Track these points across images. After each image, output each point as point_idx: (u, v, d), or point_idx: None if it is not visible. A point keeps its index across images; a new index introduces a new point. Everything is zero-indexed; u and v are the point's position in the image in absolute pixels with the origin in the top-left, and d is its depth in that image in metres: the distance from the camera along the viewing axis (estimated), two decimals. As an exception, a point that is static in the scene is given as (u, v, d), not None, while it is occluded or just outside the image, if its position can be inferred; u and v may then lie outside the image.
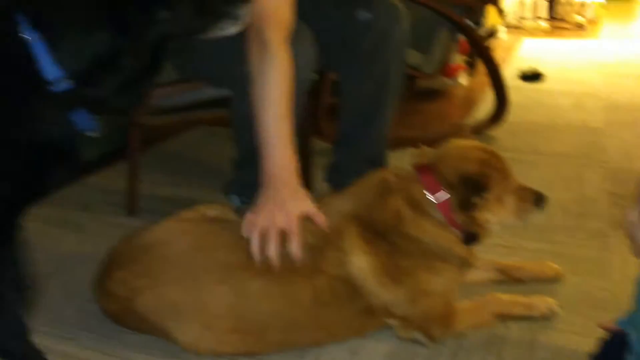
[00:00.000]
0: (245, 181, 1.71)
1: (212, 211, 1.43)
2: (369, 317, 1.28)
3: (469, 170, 1.26)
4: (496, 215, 1.32)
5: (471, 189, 1.24)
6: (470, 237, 1.31)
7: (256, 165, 1.63)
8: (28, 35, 0.96)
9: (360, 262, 1.25)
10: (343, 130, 1.89)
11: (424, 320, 1.28)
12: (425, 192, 1.28)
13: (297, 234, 1.26)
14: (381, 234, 1.27)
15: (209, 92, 1.79)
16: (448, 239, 1.28)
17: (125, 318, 1.28)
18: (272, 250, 1.24)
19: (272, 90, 1.34)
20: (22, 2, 0.99)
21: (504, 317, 1.37)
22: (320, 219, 1.30)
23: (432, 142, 1.39)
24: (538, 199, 1.38)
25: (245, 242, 1.27)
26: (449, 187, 1.27)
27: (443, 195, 1.27)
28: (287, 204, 1.30)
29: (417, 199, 1.28)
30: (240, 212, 1.70)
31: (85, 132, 1.06)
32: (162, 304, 1.22)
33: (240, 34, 1.46)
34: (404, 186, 1.30)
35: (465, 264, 1.34)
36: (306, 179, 2.10)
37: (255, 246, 1.25)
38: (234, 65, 1.47)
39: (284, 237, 1.26)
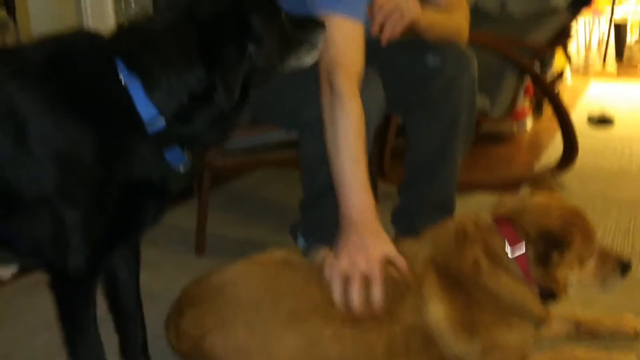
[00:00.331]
0: (312, 223, 1.72)
1: (281, 254, 1.44)
2: None
3: (550, 226, 1.23)
4: (575, 276, 1.28)
5: (551, 244, 1.21)
6: (547, 294, 1.28)
7: (323, 208, 1.65)
8: (125, 77, 1.01)
9: (437, 311, 1.23)
10: (410, 174, 1.88)
11: None
12: (504, 244, 1.25)
13: (379, 278, 1.25)
14: (458, 284, 1.25)
15: (279, 134, 1.83)
16: (525, 294, 1.25)
17: (194, 358, 1.29)
18: (355, 295, 1.23)
19: (346, 135, 1.35)
20: (119, 45, 1.05)
21: (581, 374, 1.31)
22: (402, 263, 1.28)
23: (501, 187, 1.37)
24: (623, 267, 1.32)
25: (315, 287, 1.27)
26: (528, 240, 1.24)
27: (522, 248, 1.24)
28: (368, 246, 1.29)
29: (495, 251, 1.25)
30: (307, 254, 1.72)
31: (176, 168, 1.11)
32: (230, 346, 1.22)
33: (307, 79, 1.51)
34: (482, 236, 1.28)
35: (540, 321, 1.30)
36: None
37: (337, 290, 1.24)
38: (302, 109, 1.51)
39: (365, 281, 1.25)
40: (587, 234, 1.27)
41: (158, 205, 1.15)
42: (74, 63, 1.03)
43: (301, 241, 1.76)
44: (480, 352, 1.23)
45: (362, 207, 1.34)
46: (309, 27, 1.24)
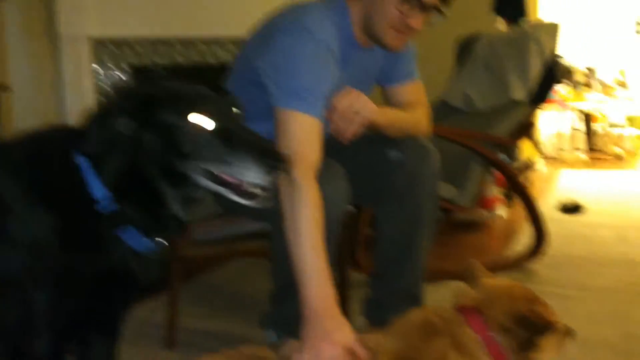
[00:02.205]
0: (282, 316, 1.73)
1: (251, 349, 1.43)
2: None
3: (520, 310, 1.25)
4: (546, 354, 1.28)
5: (534, 330, 1.23)
6: None
7: (293, 300, 1.65)
8: (78, 160, 1.11)
9: None
10: (378, 265, 1.92)
11: None
12: (474, 335, 1.26)
13: None
14: None
15: (249, 226, 1.87)
16: None
17: None
18: None
19: (304, 224, 1.40)
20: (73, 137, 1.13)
21: None
22: (364, 355, 1.29)
23: (468, 275, 1.39)
24: (569, 333, 1.35)
25: None
26: (502, 329, 1.25)
27: (494, 337, 1.25)
28: (331, 335, 1.31)
29: (464, 342, 1.25)
30: (277, 347, 1.71)
31: (143, 253, 1.15)
32: None
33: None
34: (450, 328, 1.28)
35: None
36: (344, 313, 2.10)
37: None
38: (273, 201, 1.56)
39: None
40: (550, 312, 1.29)
41: (127, 292, 1.19)
42: (45, 159, 1.13)
43: (271, 335, 1.76)
44: None
45: (323, 296, 1.36)
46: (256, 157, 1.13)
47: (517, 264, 2.76)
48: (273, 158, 1.14)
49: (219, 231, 1.94)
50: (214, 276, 2.71)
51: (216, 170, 1.13)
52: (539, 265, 2.76)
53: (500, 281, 1.38)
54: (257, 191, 1.16)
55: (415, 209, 1.79)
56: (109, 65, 2.87)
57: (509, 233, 3.46)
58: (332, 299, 1.38)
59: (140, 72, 2.96)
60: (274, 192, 1.53)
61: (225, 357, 1.35)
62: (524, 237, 3.14)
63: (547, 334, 1.24)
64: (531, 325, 1.23)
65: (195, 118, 1.11)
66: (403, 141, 1.78)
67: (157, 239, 1.18)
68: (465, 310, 1.30)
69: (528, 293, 1.32)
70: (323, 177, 1.49)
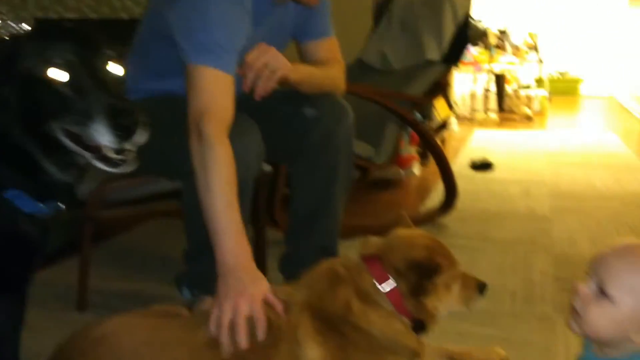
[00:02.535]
0: (196, 274, 1.72)
1: (164, 307, 1.42)
2: None
3: (417, 256, 1.30)
4: (444, 302, 1.34)
5: (422, 273, 1.27)
6: (419, 325, 1.33)
7: (207, 258, 1.65)
8: None
9: (313, 354, 1.25)
10: (294, 222, 1.94)
11: None
12: (373, 281, 1.31)
13: (264, 320, 1.26)
14: (333, 325, 1.28)
15: (161, 184, 1.83)
16: (397, 330, 1.30)
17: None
18: (243, 342, 1.23)
19: (217, 181, 1.38)
20: None
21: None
22: (279, 306, 1.30)
23: (384, 231, 1.43)
24: (481, 287, 1.41)
25: (197, 336, 1.27)
26: (398, 274, 1.30)
27: (391, 283, 1.30)
28: (248, 289, 1.31)
29: (365, 290, 1.30)
30: (192, 305, 1.71)
31: (38, 216, 1.10)
32: None
33: (184, 130, 1.55)
34: (352, 276, 1.32)
35: (414, 355, 1.34)
36: (261, 269, 2.12)
37: (225, 341, 1.24)
38: (182, 159, 1.53)
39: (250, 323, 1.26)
40: (450, 260, 1.35)
41: (28, 255, 1.14)
42: None
43: (186, 292, 1.76)
44: None
45: (238, 251, 1.36)
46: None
47: (430, 219, 2.86)
48: (128, 120, 1.03)
49: (130, 191, 1.89)
50: (128, 238, 2.66)
51: (77, 131, 1.03)
52: (449, 220, 2.88)
53: (409, 231, 1.42)
54: (115, 156, 1.06)
55: (330, 166, 1.81)
56: (9, 16, 2.69)
57: (423, 190, 3.59)
58: (248, 255, 1.39)
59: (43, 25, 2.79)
60: (186, 149, 1.52)
61: (137, 316, 1.34)
62: (437, 194, 3.26)
63: (435, 277, 1.29)
64: (419, 269, 1.28)
65: (54, 73, 1.02)
66: (318, 99, 1.79)
67: (51, 202, 1.12)
68: (368, 258, 1.34)
69: (431, 242, 1.37)
70: (235, 133, 1.48)
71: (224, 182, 1.39)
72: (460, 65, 6.70)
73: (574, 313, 0.98)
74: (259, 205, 2.17)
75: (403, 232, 1.41)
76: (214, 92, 1.46)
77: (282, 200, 2.56)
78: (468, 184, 3.65)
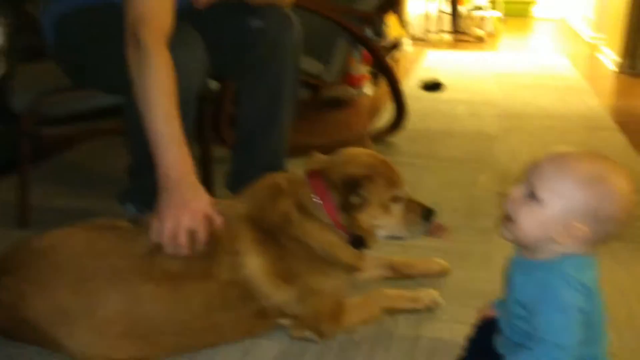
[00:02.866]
0: (140, 189, 1.70)
1: (106, 220, 1.41)
2: (261, 318, 1.30)
3: (351, 172, 1.31)
4: (380, 221, 1.35)
5: (349, 189, 1.29)
6: (358, 241, 1.35)
7: (151, 173, 1.62)
8: None
9: (253, 264, 1.27)
10: (240, 138, 1.91)
11: (314, 319, 1.32)
12: (312, 195, 1.32)
13: (204, 232, 1.27)
14: (272, 236, 1.30)
15: (103, 99, 1.77)
16: (332, 243, 1.32)
17: (12, 328, 1.24)
18: (184, 251, 1.24)
19: (155, 91, 1.33)
20: None
21: (392, 312, 1.43)
22: (219, 219, 1.31)
23: (333, 149, 1.43)
24: (426, 213, 1.40)
25: (138, 247, 1.26)
26: (334, 189, 1.31)
27: (328, 197, 1.31)
28: (190, 203, 1.29)
29: (304, 202, 1.32)
30: (136, 220, 1.69)
31: None
32: (51, 310, 1.19)
33: (116, 41, 1.48)
34: (293, 189, 1.33)
35: (352, 267, 1.37)
36: (207, 186, 2.11)
37: (169, 251, 1.25)
38: (121, 71, 1.47)
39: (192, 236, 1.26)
40: (390, 180, 1.35)
41: None
42: None
43: (130, 208, 1.74)
44: (296, 299, 1.29)
45: (179, 163, 1.33)
46: None
47: (379, 138, 2.88)
48: None
49: (69, 106, 1.82)
50: (72, 155, 2.59)
51: None
52: (398, 138, 2.90)
53: (357, 150, 1.42)
54: None
55: (277, 80, 1.78)
56: None
57: (373, 109, 3.58)
58: (189, 168, 1.36)
59: None
60: (125, 62, 1.45)
61: (77, 229, 1.33)
62: (387, 113, 3.27)
63: (360, 192, 1.29)
64: (349, 185, 1.29)
65: None
66: (265, 10, 1.73)
67: None
68: (311, 173, 1.35)
69: (374, 161, 1.37)
70: (176, 43, 1.42)
71: (162, 91, 1.34)
72: (415, -16, 6.59)
73: (505, 219, 1.02)
74: (205, 123, 2.13)
75: (350, 151, 1.41)
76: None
77: (229, 118, 2.52)
78: (418, 103, 3.67)
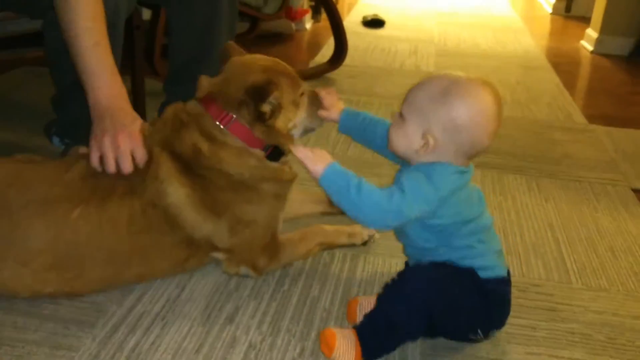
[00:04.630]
0: (66, 121, 1.62)
1: (25, 155, 1.32)
2: (191, 250, 1.26)
3: (253, 80, 1.21)
4: (295, 120, 1.29)
5: (259, 96, 1.20)
6: (275, 153, 1.28)
7: (77, 103, 1.54)
8: None
9: (177, 194, 1.21)
10: (173, 69, 1.84)
11: (249, 252, 1.29)
12: (214, 122, 1.23)
13: (144, 152, 1.21)
14: (191, 168, 1.23)
15: (22, 23, 1.64)
16: (250, 165, 1.25)
17: None
18: (128, 168, 1.20)
19: (80, 16, 1.24)
20: None
21: (330, 247, 1.44)
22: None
23: None
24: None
25: (62, 174, 1.20)
26: (239, 105, 1.22)
27: (231, 118, 1.23)
28: (128, 127, 1.22)
29: (209, 131, 1.23)
30: (63, 154, 1.61)
31: None
32: None
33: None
34: (194, 119, 1.25)
35: (278, 182, 1.30)
36: (141, 118, 2.03)
37: (111, 170, 1.20)
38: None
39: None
40: (290, 77, 1.28)
41: None
42: None
43: (56, 141, 1.65)
44: (226, 230, 1.25)
45: (111, 92, 1.26)
46: None
47: (319, 74, 2.83)
48: None
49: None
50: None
51: None
52: (338, 75, 2.86)
53: (245, 58, 1.32)
54: None
55: (212, 8, 1.69)
56: None
57: (313, 45, 3.51)
58: (122, 95, 1.28)
59: None
60: None
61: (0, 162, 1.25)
62: (328, 49, 3.21)
63: (272, 96, 1.20)
64: (254, 93, 1.20)
65: None
66: None
67: None
68: (204, 100, 1.26)
69: (268, 63, 1.28)
70: None
71: (91, 16, 1.25)
72: None
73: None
74: (137, 54, 2.03)
75: (238, 61, 1.30)
76: None
77: (161, 49, 2.41)
78: (359, 40, 3.63)
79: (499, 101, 1.07)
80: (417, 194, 1.03)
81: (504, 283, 1.13)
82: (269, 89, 1.20)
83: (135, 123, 1.25)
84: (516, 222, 1.65)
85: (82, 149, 1.54)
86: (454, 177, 1.06)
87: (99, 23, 1.27)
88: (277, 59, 1.31)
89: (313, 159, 1.07)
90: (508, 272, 1.15)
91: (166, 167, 1.21)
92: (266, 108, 1.21)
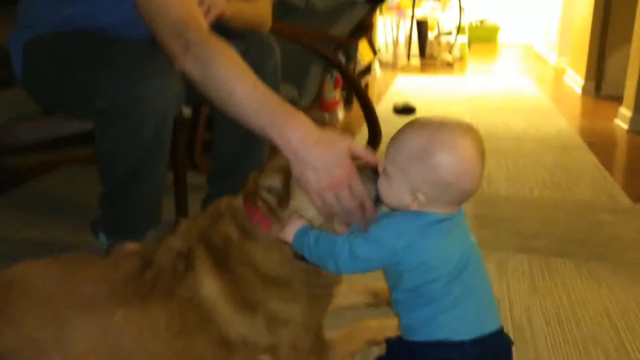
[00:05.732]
0: (113, 218, 1.64)
1: (80, 254, 1.34)
2: (227, 349, 1.20)
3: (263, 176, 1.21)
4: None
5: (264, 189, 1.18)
6: None
7: (125, 200, 1.58)
8: None
9: (211, 287, 1.18)
10: (218, 163, 1.88)
11: (294, 354, 1.23)
12: (247, 214, 1.21)
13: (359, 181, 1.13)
14: (223, 260, 1.20)
15: (72, 125, 1.71)
16: (275, 261, 1.20)
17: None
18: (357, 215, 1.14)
19: (230, 70, 1.23)
20: None
21: (377, 343, 1.39)
22: (370, 154, 1.17)
23: None
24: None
25: (112, 273, 1.20)
26: (257, 198, 1.20)
27: (259, 213, 1.20)
28: (333, 141, 1.13)
29: (242, 222, 1.21)
30: (109, 251, 1.63)
31: None
32: (22, 344, 1.12)
33: (104, 61, 1.44)
34: (231, 211, 1.24)
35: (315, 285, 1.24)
36: (183, 215, 2.06)
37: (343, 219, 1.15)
38: (96, 96, 1.43)
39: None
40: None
41: None
42: None
43: (103, 238, 1.68)
44: (263, 329, 1.20)
45: (296, 126, 1.15)
46: None
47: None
48: None
49: (40, 132, 1.75)
50: (41, 184, 2.50)
51: None
52: (373, 163, 2.89)
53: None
54: None
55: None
56: None
57: (348, 133, 3.57)
58: (304, 119, 1.19)
59: None
60: (102, 86, 1.41)
61: (48, 261, 1.26)
62: (361, 138, 3.26)
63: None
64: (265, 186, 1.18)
65: None
66: (246, 35, 1.72)
67: None
68: (243, 193, 1.25)
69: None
70: (152, 72, 1.39)
71: (238, 67, 1.23)
72: (384, 10, 6.69)
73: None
74: (179, 149, 2.09)
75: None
76: (188, 2, 1.33)
77: (202, 144, 2.48)
78: (391, 128, 3.64)
79: (480, 143, 1.03)
80: (374, 237, 1.04)
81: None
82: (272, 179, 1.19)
83: (336, 136, 1.16)
84: (570, 309, 1.58)
85: (129, 246, 1.57)
86: (426, 228, 1.03)
87: (249, 69, 1.24)
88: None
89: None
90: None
91: (201, 260, 1.20)
92: (267, 197, 1.18)
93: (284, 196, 1.19)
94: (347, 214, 1.14)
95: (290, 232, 1.15)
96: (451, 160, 1.00)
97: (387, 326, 1.41)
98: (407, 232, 1.03)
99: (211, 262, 1.20)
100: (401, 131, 1.06)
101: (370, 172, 1.17)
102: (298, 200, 1.19)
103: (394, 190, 1.05)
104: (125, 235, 1.60)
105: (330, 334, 1.32)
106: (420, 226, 1.03)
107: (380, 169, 1.08)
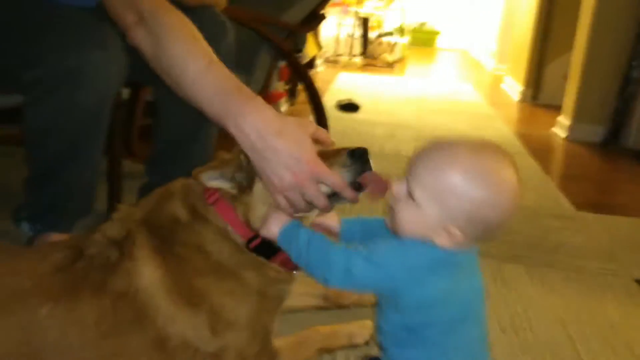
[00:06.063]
0: (38, 205, 1.47)
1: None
2: (166, 357, 1.05)
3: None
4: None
5: (237, 167, 1.08)
6: (266, 247, 1.08)
7: (52, 186, 1.41)
8: None
9: (149, 274, 1.03)
10: (160, 151, 1.73)
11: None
12: (203, 197, 1.09)
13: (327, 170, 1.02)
14: (168, 245, 1.07)
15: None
16: (230, 249, 1.08)
17: None
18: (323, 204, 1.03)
19: (182, 47, 1.11)
20: None
21: (329, 351, 1.30)
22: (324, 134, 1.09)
23: None
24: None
25: (38, 264, 1.04)
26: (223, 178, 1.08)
27: (220, 196, 1.08)
28: (296, 130, 1.03)
29: (194, 203, 1.09)
30: (32, 241, 1.46)
31: None
32: None
33: (28, 30, 1.27)
34: (184, 192, 1.12)
35: (266, 280, 1.11)
36: (117, 203, 1.89)
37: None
38: (25, 69, 1.26)
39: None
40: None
41: None
42: None
43: (25, 227, 1.50)
44: (208, 330, 1.06)
45: (259, 106, 1.05)
46: None
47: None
48: None
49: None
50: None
51: None
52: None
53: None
54: None
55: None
56: None
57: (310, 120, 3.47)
58: (264, 105, 1.07)
59: None
60: (33, 58, 1.25)
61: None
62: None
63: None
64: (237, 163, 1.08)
65: None
66: (200, 13, 1.58)
67: None
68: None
69: None
70: (94, 44, 1.25)
71: (192, 44, 1.12)
72: (328, 5, 6.62)
73: (390, 210, 0.96)
74: (116, 133, 1.92)
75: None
76: None
77: (139, 131, 2.32)
78: (336, 123, 3.59)
79: (517, 171, 0.92)
80: (377, 259, 0.92)
81: None
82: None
83: (301, 125, 1.06)
84: (524, 316, 1.54)
85: (55, 237, 1.41)
86: (437, 263, 0.93)
87: (205, 46, 1.13)
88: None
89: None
90: None
91: (140, 245, 1.05)
92: (240, 178, 1.07)
93: (248, 177, 1.07)
94: (313, 208, 1.05)
95: (273, 226, 1.02)
96: (498, 197, 0.89)
97: (339, 333, 1.33)
98: (416, 264, 0.92)
99: (152, 247, 1.06)
100: (435, 153, 0.93)
101: (346, 156, 1.08)
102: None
103: (422, 220, 0.91)
104: (51, 224, 1.44)
105: (278, 341, 1.19)
106: (433, 260, 0.92)
107: (399, 191, 0.94)
